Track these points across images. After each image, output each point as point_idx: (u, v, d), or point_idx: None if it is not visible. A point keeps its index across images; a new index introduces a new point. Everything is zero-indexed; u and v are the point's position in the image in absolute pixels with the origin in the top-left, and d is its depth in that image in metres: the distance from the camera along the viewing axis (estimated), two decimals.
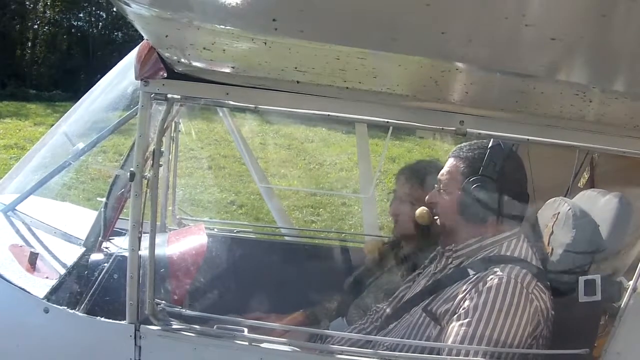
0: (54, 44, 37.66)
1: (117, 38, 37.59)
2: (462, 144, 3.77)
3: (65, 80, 31.02)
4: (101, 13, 38.24)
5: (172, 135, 5.01)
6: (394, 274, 4.44)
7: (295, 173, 15.64)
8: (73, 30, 39.22)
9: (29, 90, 30.58)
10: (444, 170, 3.79)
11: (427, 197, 3.87)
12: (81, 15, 39.27)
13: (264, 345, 3.31)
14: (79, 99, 4.76)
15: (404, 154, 15.96)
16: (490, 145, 3.62)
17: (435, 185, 3.81)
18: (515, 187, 3.64)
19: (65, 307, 3.41)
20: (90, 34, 38.36)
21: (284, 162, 16.30)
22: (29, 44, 36.65)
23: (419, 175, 4.43)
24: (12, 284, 3.52)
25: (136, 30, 3.05)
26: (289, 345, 3.36)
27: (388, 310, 3.96)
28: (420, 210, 3.93)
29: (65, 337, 3.44)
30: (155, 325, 3.29)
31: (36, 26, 37.31)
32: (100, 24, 39.01)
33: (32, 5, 36.90)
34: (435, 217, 3.80)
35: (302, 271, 5.18)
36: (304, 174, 15.69)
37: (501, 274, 3.36)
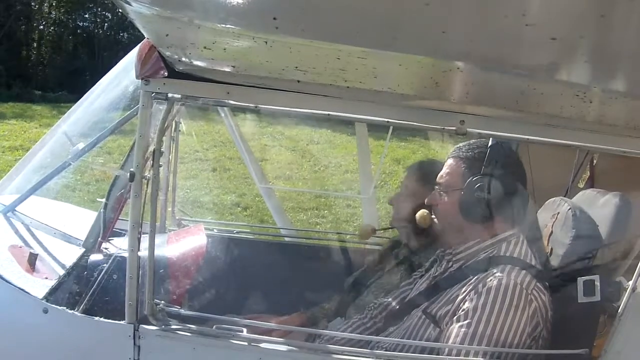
0: (60, 44, 37.82)
1: (122, 39, 37.73)
2: (461, 144, 3.74)
3: (71, 81, 31.03)
4: (107, 14, 38.42)
5: (172, 135, 5.02)
6: (393, 275, 4.44)
7: (300, 175, 15.65)
8: (79, 31, 39.42)
9: (35, 91, 30.69)
10: (443, 172, 3.75)
11: (427, 199, 3.85)
12: (87, 16, 39.50)
13: (262, 345, 3.30)
14: None
15: (409, 155, 15.95)
16: (490, 144, 3.59)
17: (436, 187, 3.78)
18: (515, 186, 3.60)
19: (65, 308, 3.41)
20: (96, 35, 38.54)
21: (288, 163, 16.31)
22: (35, 44, 36.79)
23: (427, 172, 4.42)
24: (12, 284, 3.52)
25: None
26: (288, 345, 3.36)
27: (388, 311, 3.95)
28: (421, 212, 3.91)
29: (65, 337, 3.44)
30: (154, 325, 3.29)
31: (42, 27, 37.50)
32: (106, 24, 39.21)
33: (37, 6, 37.01)
34: (434, 219, 3.78)
35: (301, 272, 5.18)
36: (309, 176, 15.70)
37: (500, 275, 3.34)
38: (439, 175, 3.77)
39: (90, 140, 4.20)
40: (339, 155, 17.21)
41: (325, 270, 5.12)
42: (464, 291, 3.40)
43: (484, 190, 3.52)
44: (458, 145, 3.74)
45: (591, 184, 4.80)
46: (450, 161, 3.74)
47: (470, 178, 3.56)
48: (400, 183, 4.71)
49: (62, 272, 3.67)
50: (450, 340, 3.30)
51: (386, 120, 3.19)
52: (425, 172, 4.45)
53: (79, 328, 3.40)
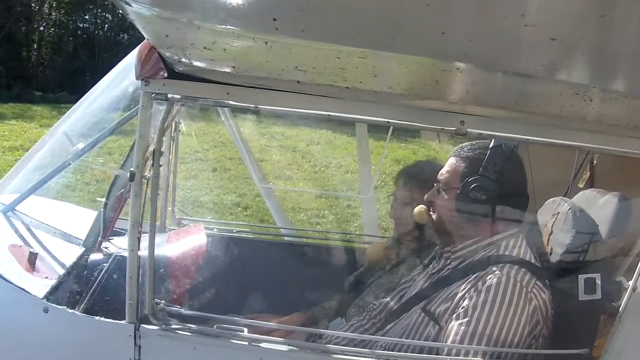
0: (60, 45, 37.78)
1: (123, 40, 37.66)
2: (464, 144, 3.76)
3: (71, 82, 30.97)
4: (107, 15, 38.35)
5: (172, 135, 5.02)
6: (393, 274, 4.44)
7: (300, 175, 15.65)
8: (79, 32, 39.36)
9: (35, 92, 30.64)
10: (444, 170, 3.77)
11: (426, 195, 3.86)
12: (87, 17, 39.42)
13: (263, 345, 3.31)
14: None
15: (410, 156, 15.93)
16: (491, 145, 3.61)
17: (435, 185, 3.80)
18: (514, 188, 3.63)
19: (65, 307, 3.41)
20: (96, 36, 38.50)
21: (289, 164, 16.31)
22: (35, 45, 36.73)
23: (417, 176, 4.43)
24: (12, 283, 3.52)
25: None
26: (289, 345, 3.36)
27: (387, 309, 3.96)
28: (419, 209, 3.92)
29: (65, 336, 3.44)
30: (154, 324, 3.29)
31: (42, 28, 37.41)
32: (106, 25, 39.15)
33: (37, 7, 36.96)
34: (433, 216, 3.79)
35: (301, 271, 5.18)
36: (309, 176, 15.69)
37: (500, 273, 3.36)
38: (439, 173, 3.79)
39: (90, 140, 4.20)
40: (339, 156, 17.20)
41: (325, 270, 5.12)
42: (464, 289, 3.41)
43: (481, 190, 3.55)
44: (461, 145, 3.77)
45: (591, 183, 4.80)
46: (451, 160, 3.76)
47: (468, 178, 3.58)
48: (393, 193, 4.68)
49: (62, 271, 3.67)
50: (450, 338, 3.31)
51: (386, 120, 3.19)
52: (414, 175, 4.47)
53: (79, 328, 3.40)
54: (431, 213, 3.82)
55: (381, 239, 5.42)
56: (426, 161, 4.62)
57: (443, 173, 3.76)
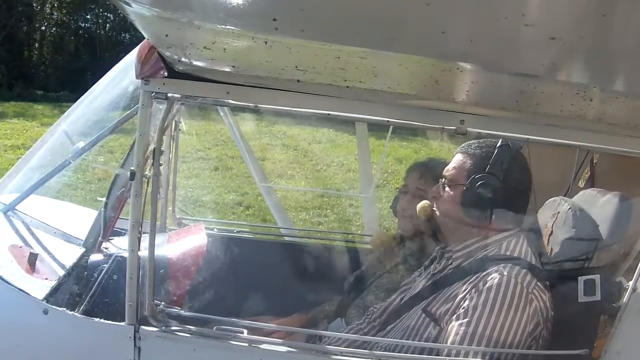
0: (61, 45, 37.71)
1: (124, 39, 37.62)
2: (471, 141, 3.76)
3: (73, 81, 30.92)
4: (108, 14, 38.31)
5: (172, 134, 5.02)
6: (394, 274, 4.43)
7: (302, 174, 15.65)
8: (80, 32, 39.31)
9: (36, 91, 30.64)
10: (450, 166, 3.79)
11: (430, 191, 3.87)
12: (88, 16, 39.39)
13: (263, 346, 3.31)
14: None
15: (411, 155, 15.94)
16: (499, 144, 3.61)
17: (440, 180, 3.79)
18: (518, 187, 3.64)
19: (65, 309, 3.40)
20: (98, 35, 38.48)
21: (291, 163, 16.32)
22: (36, 45, 36.70)
23: (432, 171, 4.40)
24: (12, 285, 3.52)
25: None
26: (288, 346, 3.35)
27: (387, 311, 3.95)
28: (422, 203, 3.90)
29: (65, 338, 3.44)
30: (154, 326, 3.28)
31: (43, 27, 37.37)
32: (108, 25, 39.13)
33: (39, 7, 36.94)
34: (436, 211, 3.79)
35: (301, 271, 5.18)
36: (311, 175, 15.70)
37: (501, 273, 3.35)
38: (445, 169, 3.80)
39: (90, 139, 4.20)
40: (340, 154, 17.20)
41: (325, 270, 5.10)
42: (464, 289, 3.41)
43: (486, 189, 3.54)
44: (468, 142, 3.78)
45: (592, 183, 4.79)
46: (458, 156, 3.77)
47: (474, 175, 3.57)
48: (403, 186, 4.67)
49: (62, 272, 3.66)
50: (450, 339, 3.31)
51: (386, 119, 3.19)
52: (428, 170, 4.45)
53: (79, 329, 3.40)
54: (434, 209, 3.82)
55: None
56: (439, 159, 4.59)
57: (449, 169, 3.77)
